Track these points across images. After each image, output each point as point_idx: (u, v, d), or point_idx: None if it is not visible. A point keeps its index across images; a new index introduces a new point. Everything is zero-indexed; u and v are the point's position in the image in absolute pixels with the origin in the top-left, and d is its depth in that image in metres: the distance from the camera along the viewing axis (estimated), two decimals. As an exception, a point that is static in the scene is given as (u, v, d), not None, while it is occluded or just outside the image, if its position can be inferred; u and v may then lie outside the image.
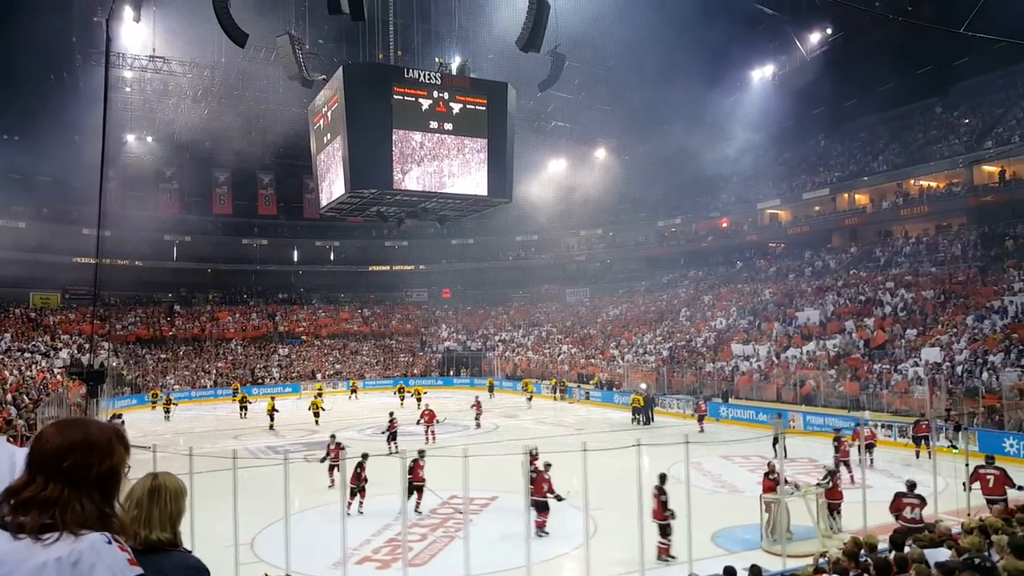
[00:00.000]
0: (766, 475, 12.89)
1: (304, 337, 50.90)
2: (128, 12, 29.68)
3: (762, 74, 44.18)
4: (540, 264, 58.43)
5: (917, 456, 19.68)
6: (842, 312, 32.78)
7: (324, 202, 22.33)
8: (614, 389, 35.65)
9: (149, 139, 46.46)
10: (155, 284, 50.41)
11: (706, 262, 48.56)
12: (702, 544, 11.41)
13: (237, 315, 51.21)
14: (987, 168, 35.71)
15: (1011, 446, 19.01)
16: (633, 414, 28.71)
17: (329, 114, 20.54)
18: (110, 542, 1.45)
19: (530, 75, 27.43)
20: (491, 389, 40.30)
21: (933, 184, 38.24)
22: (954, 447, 19.01)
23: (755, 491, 13.35)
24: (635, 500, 10.25)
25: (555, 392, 38.04)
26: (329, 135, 20.76)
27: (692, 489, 10.77)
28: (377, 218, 23.76)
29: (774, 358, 31.22)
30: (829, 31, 41.51)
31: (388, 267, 59.22)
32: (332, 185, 21.06)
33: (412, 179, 19.37)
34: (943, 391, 22.97)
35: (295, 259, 58.31)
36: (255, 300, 54.17)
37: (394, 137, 19.14)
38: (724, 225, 49.85)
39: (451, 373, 48.15)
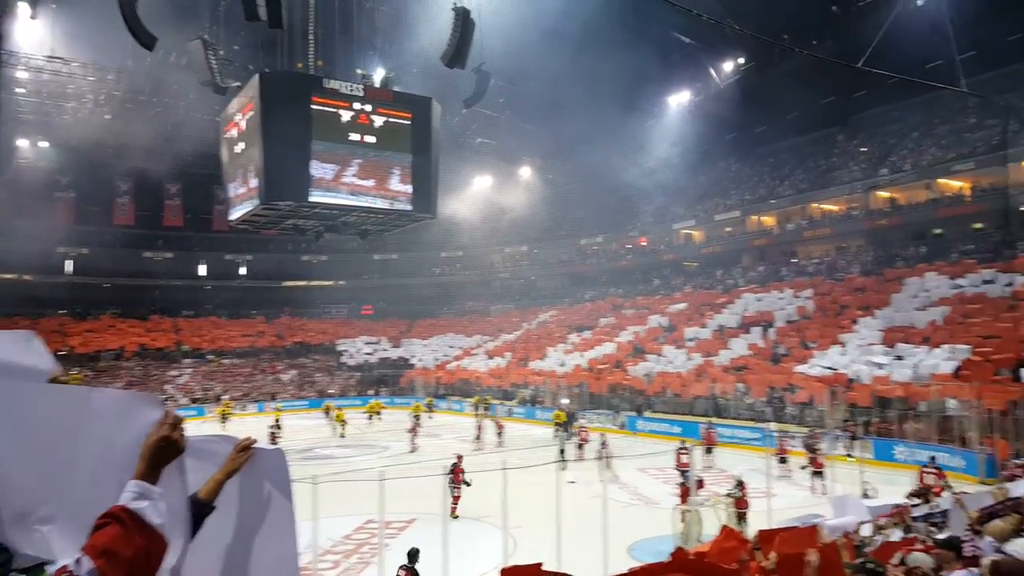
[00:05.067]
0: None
1: (211, 356, 48.81)
2: (23, 8, 28.03)
3: (679, 100, 45.78)
4: (465, 280, 58.31)
5: (808, 463, 20.76)
6: (749, 321, 34.33)
7: (235, 214, 21.54)
8: (536, 405, 35.81)
9: (44, 144, 43.79)
10: (45, 300, 46.92)
11: (626, 279, 49.66)
12: (618, 557, 11.52)
13: (137, 332, 48.60)
14: (881, 194, 38.06)
15: (900, 453, 20.13)
16: (555, 430, 28.88)
17: (243, 122, 19.91)
18: None
19: (455, 91, 27.45)
20: (430, 407, 39.12)
21: (834, 208, 40.46)
22: (850, 456, 20.03)
23: (670, 503, 13.63)
24: (554, 517, 10.27)
25: (477, 410, 37.83)
26: (242, 144, 20.11)
27: (609, 503, 10.89)
28: (293, 231, 23.11)
29: (692, 365, 32.17)
30: (741, 61, 43.47)
31: (305, 282, 57.57)
32: (244, 196, 20.36)
33: (331, 192, 18.97)
34: (842, 402, 24.17)
35: (203, 273, 55.94)
36: (158, 316, 51.52)
37: (312, 148, 18.72)
38: (643, 244, 51.19)
39: (371, 392, 47.13)
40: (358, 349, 52.45)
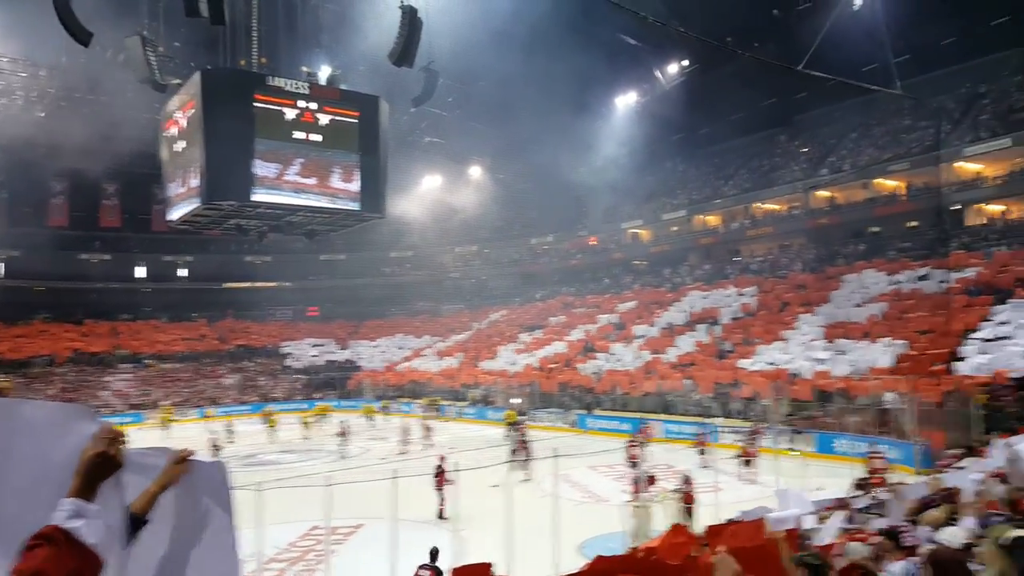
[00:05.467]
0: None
1: (149, 360, 47.26)
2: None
3: (626, 101, 46.28)
4: (415, 281, 57.84)
5: (754, 456, 21.33)
6: (696, 319, 34.98)
7: (176, 214, 20.93)
8: (488, 406, 35.76)
9: (-31, 143, 41.77)
10: (-31, 304, 44.71)
11: (577, 278, 50.02)
12: (569, 556, 11.56)
13: (71, 337, 46.74)
14: (821, 193, 39.19)
15: (840, 446, 20.75)
16: (507, 430, 28.86)
17: (183, 120, 19.35)
18: None
19: (403, 90, 27.18)
20: (386, 410, 38.28)
21: (777, 207, 41.48)
22: (793, 449, 20.56)
23: (620, 499, 13.75)
24: (505, 517, 10.24)
25: (428, 411, 37.57)
26: (183, 143, 19.54)
27: (560, 501, 10.92)
28: (236, 232, 22.55)
29: (640, 362, 32.58)
30: (686, 63, 44.18)
31: (248, 284, 56.03)
32: (185, 196, 19.79)
33: (276, 191, 18.58)
34: (785, 397, 24.79)
35: (141, 275, 54.15)
36: (93, 320, 49.59)
37: (256, 147, 18.30)
38: (592, 243, 51.64)
39: (316, 396, 46.24)
40: (304, 352, 51.52)
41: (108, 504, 1.62)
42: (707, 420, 25.51)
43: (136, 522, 1.88)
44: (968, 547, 3.77)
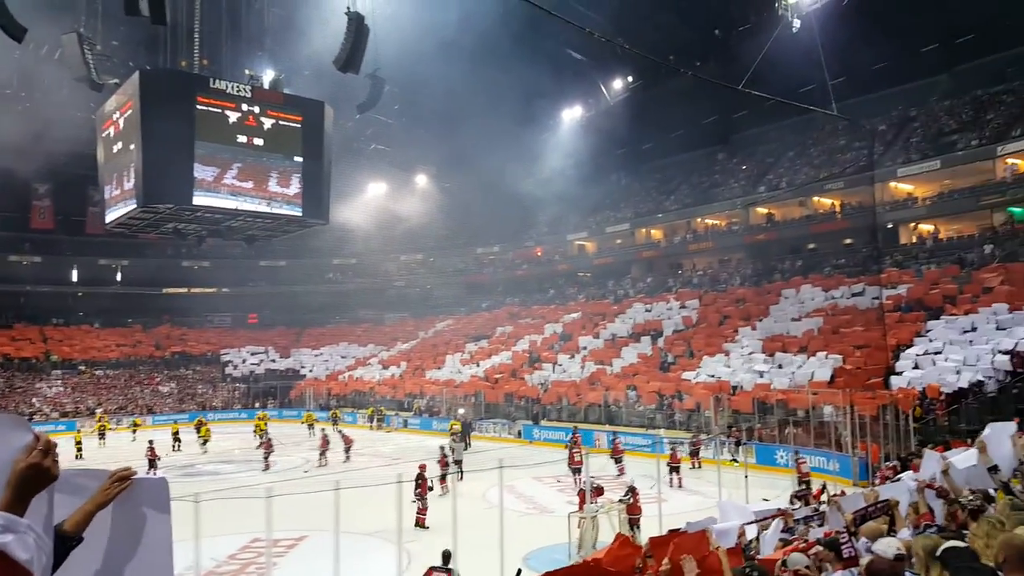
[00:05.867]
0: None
1: (82, 367, 45.40)
2: None
3: (572, 115, 46.84)
4: (358, 289, 57.00)
5: (692, 467, 21.95)
6: (639, 331, 35.50)
7: (111, 216, 20.22)
8: (432, 416, 35.46)
9: None
10: None
11: (522, 289, 50.19)
12: (513, 567, 11.48)
13: (0, 342, 44.62)
14: (760, 210, 40.34)
15: (781, 457, 21.26)
16: (451, 440, 28.63)
17: (121, 121, 18.72)
18: None
19: (349, 96, 26.88)
20: (335, 420, 37.02)
21: (717, 222, 42.51)
22: (735, 460, 20.97)
23: (565, 511, 13.78)
24: (450, 529, 10.12)
25: (372, 422, 37.05)
26: (120, 144, 18.90)
27: (505, 512, 10.86)
28: (174, 236, 21.91)
29: (585, 373, 32.81)
30: (631, 79, 44.99)
31: (186, 289, 54.23)
32: (121, 198, 19.13)
33: (216, 195, 18.10)
34: (726, 409, 25.30)
35: (74, 279, 51.97)
36: (24, 324, 47.45)
37: (197, 150, 17.83)
38: (538, 254, 51.94)
39: (256, 405, 45.15)
40: (243, 360, 50.22)
41: (39, 518, 1.56)
42: (650, 431, 25.86)
43: (69, 540, 1.82)
44: (903, 557, 3.87)
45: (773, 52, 27.39)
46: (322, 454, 25.27)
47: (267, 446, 25.36)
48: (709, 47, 41.19)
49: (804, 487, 14.74)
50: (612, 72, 44.56)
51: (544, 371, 35.65)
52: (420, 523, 15.46)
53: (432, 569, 9.69)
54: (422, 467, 16.44)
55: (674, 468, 20.10)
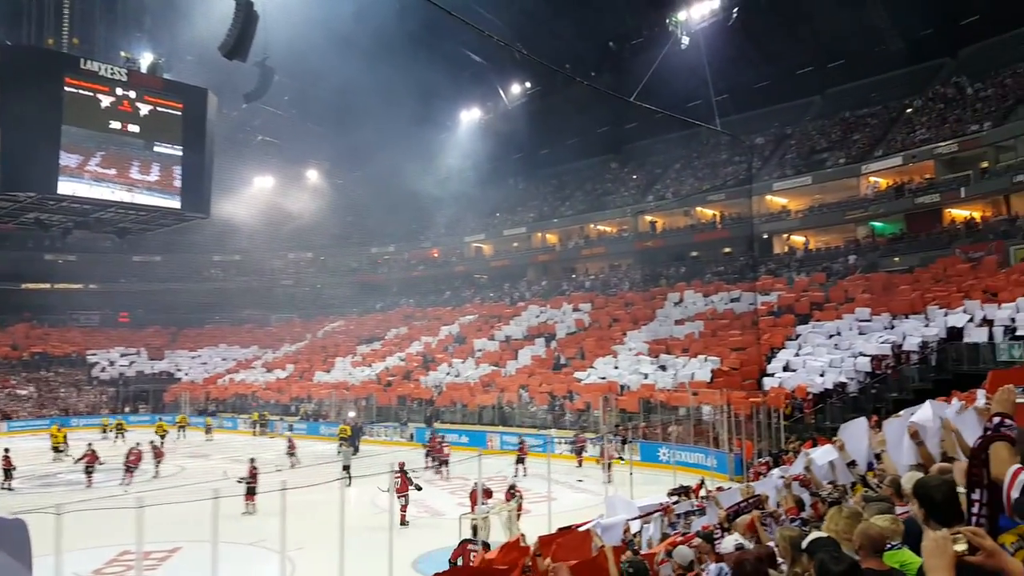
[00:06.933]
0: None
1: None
2: None
3: (470, 116, 46.93)
4: (241, 287, 54.47)
5: (578, 465, 22.60)
6: (534, 333, 35.96)
7: (-37, 204, 18.42)
8: (320, 420, 34.47)
9: None
10: None
11: (418, 290, 49.69)
12: (403, 571, 11.32)
13: None
14: (648, 218, 41.87)
15: (664, 455, 22.08)
16: (340, 444, 27.90)
17: (-25, 99, 17.08)
18: None
19: (235, 85, 25.72)
20: (263, 423, 35.38)
21: (609, 229, 43.77)
22: (621, 458, 21.60)
23: (456, 513, 13.70)
24: (337, 536, 9.83)
25: (255, 427, 35.57)
26: (-26, 124, 17.24)
27: (396, 517, 10.66)
28: (36, 227, 20.23)
29: (480, 375, 32.84)
30: (528, 85, 45.58)
31: (48, 285, 50.15)
32: (-25, 184, 17.46)
33: (84, 183, 16.84)
34: (614, 408, 26.02)
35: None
36: None
37: (64, 135, 16.53)
38: (435, 255, 51.61)
39: (127, 409, 42.26)
40: (112, 361, 46.89)
41: None
42: (542, 431, 26.18)
43: None
44: (769, 552, 4.08)
45: (663, 67, 28.49)
46: (128, 470, 21.98)
47: (91, 458, 22.11)
48: (604, 58, 42.33)
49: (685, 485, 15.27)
50: (511, 77, 45.00)
51: (439, 373, 35.42)
52: (402, 520, 15.51)
53: (466, 541, 10.49)
54: (401, 464, 16.31)
55: (520, 460, 21.45)
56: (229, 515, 11.73)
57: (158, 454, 23.96)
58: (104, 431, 33.09)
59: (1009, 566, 1.75)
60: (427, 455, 23.51)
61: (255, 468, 17.61)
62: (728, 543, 4.60)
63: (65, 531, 8.90)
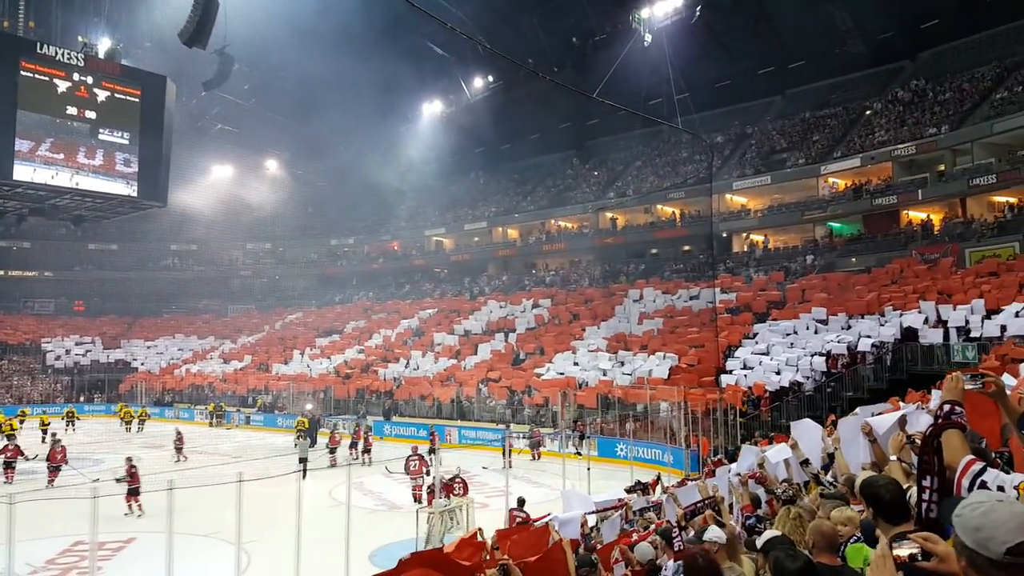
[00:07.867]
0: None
1: None
2: None
3: (432, 109, 46.62)
4: (199, 277, 53.56)
5: (533, 459, 22.89)
6: (494, 327, 36.04)
7: (-92, 188, 17.79)
8: (277, 412, 34.11)
9: None
10: None
11: (377, 283, 49.37)
12: (360, 565, 11.36)
13: None
14: (608, 215, 42.25)
15: (621, 450, 22.41)
16: (297, 437, 27.65)
17: (-79, 80, 16.52)
18: None
19: (194, 72, 25.22)
20: (219, 415, 34.77)
21: (569, 225, 44.05)
22: (579, 452, 21.88)
23: (413, 506, 13.78)
24: (294, 528, 9.84)
25: (211, 418, 35.02)
26: (-80, 105, 16.67)
27: (353, 509, 10.71)
28: (-14, 213, 19.64)
29: (439, 369, 32.86)
30: (491, 79, 45.47)
31: (2, 272, 48.91)
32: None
33: (39, 168, 16.42)
34: (572, 403, 26.29)
35: None
36: None
37: (19, 120, 16.08)
38: (395, 248, 51.32)
39: (81, 399, 41.36)
40: (67, 350, 45.78)
41: None
42: (500, 425, 26.35)
43: None
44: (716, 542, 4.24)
45: (626, 65, 28.83)
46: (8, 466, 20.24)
47: (14, 452, 20.55)
48: (567, 54, 42.43)
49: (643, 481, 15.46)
50: (473, 70, 44.80)
51: (398, 366, 35.33)
52: (417, 498, 16.24)
53: (512, 510, 10.99)
54: (414, 448, 17.58)
55: (432, 451, 21.16)
56: (186, 507, 11.65)
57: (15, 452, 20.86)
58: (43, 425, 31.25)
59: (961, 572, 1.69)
60: (352, 446, 24.07)
61: (134, 467, 16.06)
62: (714, 533, 4.72)
63: (18, 521, 8.80)
